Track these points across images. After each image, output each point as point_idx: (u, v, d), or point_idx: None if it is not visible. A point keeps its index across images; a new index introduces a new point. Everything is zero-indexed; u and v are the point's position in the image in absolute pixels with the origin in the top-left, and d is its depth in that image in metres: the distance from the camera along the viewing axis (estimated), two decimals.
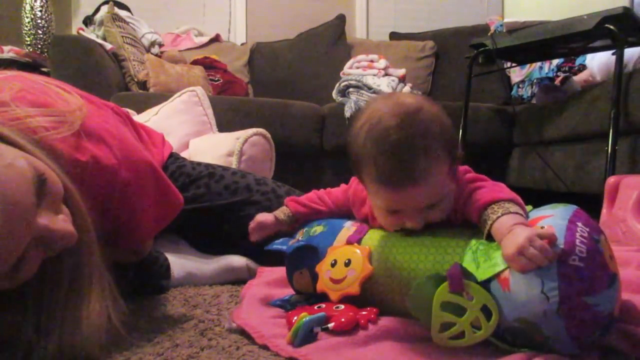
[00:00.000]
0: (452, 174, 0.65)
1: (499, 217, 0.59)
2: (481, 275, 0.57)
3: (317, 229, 0.79)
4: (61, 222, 0.60)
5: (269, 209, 0.88)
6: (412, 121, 0.61)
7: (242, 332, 0.67)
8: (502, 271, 0.56)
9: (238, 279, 0.98)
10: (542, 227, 0.56)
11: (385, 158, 0.61)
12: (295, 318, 0.63)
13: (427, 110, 0.63)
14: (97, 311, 0.62)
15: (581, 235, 0.54)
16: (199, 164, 1.11)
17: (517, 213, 0.59)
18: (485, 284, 0.57)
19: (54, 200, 0.60)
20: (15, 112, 0.65)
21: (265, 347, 0.61)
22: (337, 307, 0.66)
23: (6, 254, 0.55)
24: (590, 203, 0.84)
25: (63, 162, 0.65)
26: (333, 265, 0.71)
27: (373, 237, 0.72)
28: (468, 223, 0.65)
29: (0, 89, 0.68)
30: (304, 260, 0.76)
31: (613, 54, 1.68)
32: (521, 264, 0.53)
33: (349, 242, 0.73)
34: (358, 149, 0.65)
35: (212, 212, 1.03)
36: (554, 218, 0.58)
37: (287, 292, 0.79)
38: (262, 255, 0.91)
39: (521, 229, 0.56)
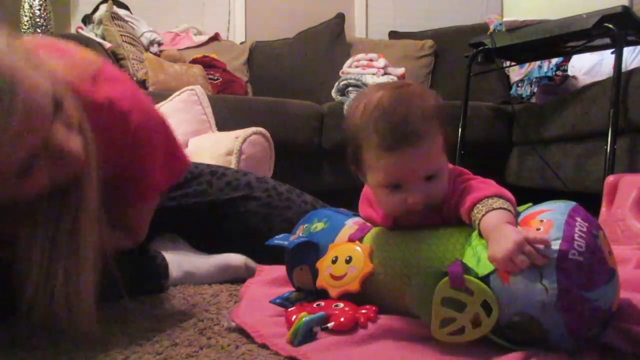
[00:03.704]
0: (445, 150, 0.66)
1: (483, 216, 0.60)
2: (482, 269, 0.57)
3: (318, 225, 0.80)
4: (73, 142, 0.63)
5: (270, 206, 0.87)
6: (406, 90, 0.66)
7: (241, 331, 0.67)
8: None
9: (237, 277, 0.98)
10: (540, 221, 0.57)
11: (385, 120, 0.63)
12: (294, 317, 0.63)
13: (418, 84, 0.69)
14: (94, 258, 0.66)
15: (580, 230, 0.55)
16: (200, 163, 1.12)
17: (501, 208, 0.59)
18: (485, 278, 0.57)
19: (69, 121, 0.63)
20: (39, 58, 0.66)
21: (264, 346, 0.61)
22: (337, 306, 0.66)
23: (21, 146, 0.57)
24: (589, 202, 0.84)
25: (80, 101, 0.68)
26: (334, 261, 0.71)
27: (374, 236, 0.72)
28: None
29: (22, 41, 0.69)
30: (304, 256, 0.76)
31: (612, 52, 1.68)
32: (508, 269, 0.54)
33: (351, 239, 0.73)
34: (356, 122, 0.66)
35: (213, 207, 1.04)
36: (553, 213, 0.58)
37: (287, 290, 0.79)
38: (260, 253, 0.92)
39: (509, 230, 0.56)
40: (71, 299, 0.63)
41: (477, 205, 0.61)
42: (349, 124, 0.68)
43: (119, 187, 0.77)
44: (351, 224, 0.77)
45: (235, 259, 0.99)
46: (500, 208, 0.59)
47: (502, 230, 0.56)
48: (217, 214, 1.04)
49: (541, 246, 0.53)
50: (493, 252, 0.56)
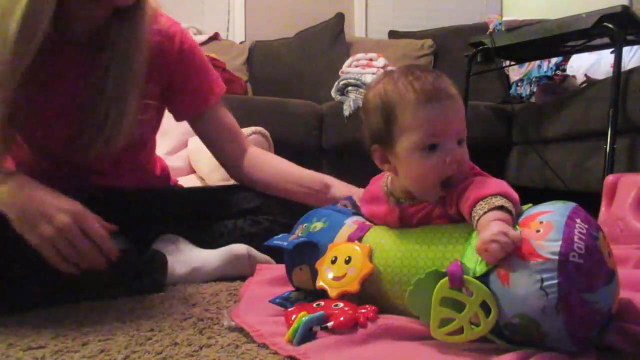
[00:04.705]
0: None
1: (481, 216, 0.60)
2: (481, 269, 0.57)
3: (318, 225, 0.79)
4: None
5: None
6: (420, 65, 0.70)
7: (242, 331, 0.67)
8: (501, 266, 0.56)
9: (241, 269, 0.98)
10: (540, 223, 0.57)
11: (419, 79, 0.66)
12: (294, 317, 0.63)
13: None
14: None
15: (580, 232, 0.54)
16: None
17: (501, 207, 0.59)
18: (485, 278, 0.57)
19: None
20: None
21: (264, 346, 0.61)
22: (337, 305, 0.66)
23: None
24: (589, 202, 0.84)
25: None
26: (333, 262, 0.71)
27: (374, 235, 0.72)
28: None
29: None
30: (304, 256, 0.76)
31: (612, 52, 1.68)
32: (485, 257, 0.56)
33: (350, 239, 0.73)
34: (386, 90, 0.68)
35: (211, 194, 1.13)
36: (552, 214, 0.58)
37: (287, 290, 0.79)
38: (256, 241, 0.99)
39: (494, 224, 0.57)
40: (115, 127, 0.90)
41: (480, 203, 0.61)
42: (373, 98, 0.69)
43: (194, 93, 1.09)
44: (351, 224, 0.77)
45: (239, 248, 0.99)
46: (500, 208, 0.59)
47: (489, 225, 0.57)
48: (215, 201, 1.10)
49: (507, 241, 0.54)
50: (477, 242, 0.57)
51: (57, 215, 0.74)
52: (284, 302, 0.74)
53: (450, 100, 0.66)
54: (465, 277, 0.56)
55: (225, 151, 1.15)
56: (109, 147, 0.93)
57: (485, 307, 0.56)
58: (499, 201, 0.60)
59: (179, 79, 1.06)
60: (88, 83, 0.92)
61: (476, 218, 0.60)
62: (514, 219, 0.60)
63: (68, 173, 1.00)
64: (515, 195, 0.62)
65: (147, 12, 0.94)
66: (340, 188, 1.05)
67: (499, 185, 0.63)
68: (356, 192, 0.96)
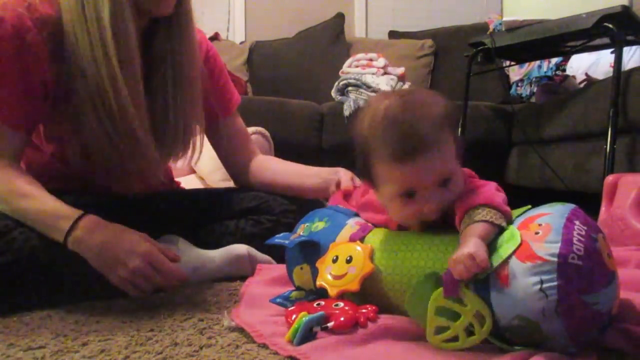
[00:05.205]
0: (458, 154, 0.66)
1: (463, 230, 0.61)
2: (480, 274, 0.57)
3: (319, 224, 0.79)
4: None
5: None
6: (413, 97, 0.66)
7: (241, 331, 0.67)
8: (501, 267, 0.56)
9: (242, 268, 0.98)
10: (539, 225, 0.57)
11: (393, 130, 0.63)
12: (294, 317, 0.63)
13: (425, 90, 0.68)
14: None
15: (579, 234, 0.54)
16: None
17: (481, 221, 0.59)
18: (485, 280, 0.57)
19: None
20: None
21: (264, 346, 0.61)
22: (337, 305, 0.66)
23: None
24: (589, 202, 0.84)
25: None
26: (334, 261, 0.71)
27: (376, 236, 0.72)
28: None
29: None
30: (305, 255, 0.76)
31: (612, 52, 1.68)
32: (453, 273, 0.56)
33: (352, 239, 0.73)
34: (365, 133, 0.66)
35: (212, 194, 1.14)
36: (551, 216, 0.58)
37: (287, 289, 0.79)
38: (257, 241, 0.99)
39: (469, 243, 0.57)
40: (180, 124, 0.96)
41: (464, 217, 0.62)
42: (357, 136, 0.68)
43: (215, 100, 1.10)
44: (353, 224, 0.77)
45: (239, 248, 1.00)
46: (481, 221, 0.60)
47: (465, 243, 0.58)
48: (215, 202, 1.11)
49: (473, 264, 0.55)
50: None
51: (129, 259, 0.80)
52: (284, 302, 0.74)
53: (425, 155, 0.62)
54: (459, 285, 0.57)
55: (235, 158, 1.17)
56: (174, 157, 1.01)
57: (480, 317, 0.56)
58: (480, 213, 0.60)
59: (205, 85, 1.06)
60: (152, 96, 0.94)
61: (461, 233, 0.61)
62: (499, 226, 0.60)
63: (80, 175, 0.99)
64: (499, 199, 0.62)
65: (192, 17, 0.96)
66: (347, 172, 1.05)
67: (483, 193, 0.63)
68: (357, 180, 0.98)
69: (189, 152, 1.03)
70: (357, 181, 0.98)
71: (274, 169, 1.16)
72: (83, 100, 0.86)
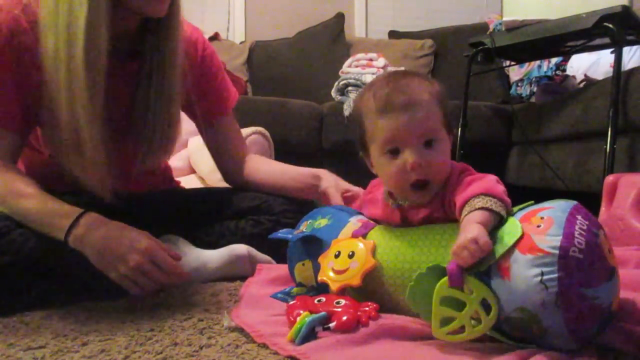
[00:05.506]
0: (445, 126, 0.69)
1: (463, 218, 0.61)
2: (482, 266, 0.57)
3: (322, 221, 0.80)
4: None
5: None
6: (408, 72, 0.73)
7: (241, 331, 0.67)
8: (502, 259, 0.56)
9: (242, 268, 0.98)
10: (541, 218, 0.57)
11: (383, 87, 0.68)
12: (297, 313, 0.64)
13: (423, 74, 0.72)
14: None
15: (580, 228, 0.55)
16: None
17: (482, 208, 0.60)
18: (486, 272, 0.57)
19: None
20: None
21: (264, 346, 0.61)
22: (338, 302, 0.66)
23: None
24: (588, 201, 0.83)
25: None
26: (337, 256, 0.71)
27: (378, 233, 0.73)
28: None
29: None
30: (307, 251, 0.76)
31: (612, 52, 1.68)
32: (458, 260, 0.57)
33: (354, 236, 0.74)
34: (359, 105, 0.72)
35: (212, 195, 1.14)
36: (553, 210, 0.58)
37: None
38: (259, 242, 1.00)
39: (471, 227, 0.57)
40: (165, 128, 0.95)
41: (465, 207, 0.62)
42: (355, 108, 0.73)
43: (212, 99, 1.10)
44: (355, 221, 0.77)
45: (239, 248, 1.00)
46: (481, 208, 0.60)
47: (466, 229, 0.58)
48: (215, 202, 1.11)
49: (477, 248, 0.55)
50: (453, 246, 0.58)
51: (129, 255, 0.81)
52: (285, 297, 0.74)
53: (410, 111, 0.66)
54: (464, 275, 0.56)
55: (228, 157, 1.17)
56: (158, 160, 0.99)
57: (486, 305, 0.56)
58: (480, 202, 0.61)
59: (201, 84, 1.07)
60: (133, 97, 0.94)
61: (461, 222, 0.62)
62: (499, 214, 0.60)
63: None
64: (498, 189, 0.63)
65: (181, 22, 0.95)
66: (328, 179, 1.05)
67: (482, 184, 0.64)
68: (342, 185, 1.00)
69: (169, 155, 1.03)
70: (343, 185, 1.00)
71: (261, 169, 1.16)
72: (46, 107, 0.86)
